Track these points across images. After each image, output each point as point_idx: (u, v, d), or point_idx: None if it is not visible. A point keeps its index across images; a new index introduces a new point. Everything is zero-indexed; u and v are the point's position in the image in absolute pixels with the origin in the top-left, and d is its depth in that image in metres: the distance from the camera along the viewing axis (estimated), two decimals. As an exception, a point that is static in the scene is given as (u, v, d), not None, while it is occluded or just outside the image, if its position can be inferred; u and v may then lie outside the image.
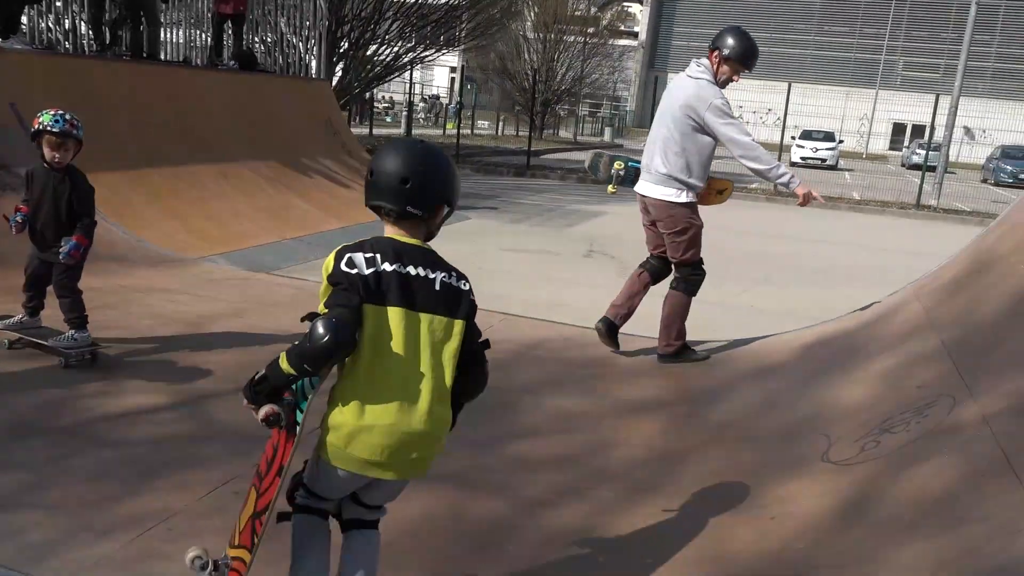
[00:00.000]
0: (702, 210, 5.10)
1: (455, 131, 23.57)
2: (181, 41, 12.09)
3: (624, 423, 4.17)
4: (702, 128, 4.78)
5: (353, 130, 19.58)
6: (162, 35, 11.68)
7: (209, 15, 11.66)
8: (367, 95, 25.17)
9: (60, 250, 4.07)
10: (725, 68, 4.83)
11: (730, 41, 4.80)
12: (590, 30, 40.01)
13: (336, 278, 2.05)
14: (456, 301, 2.10)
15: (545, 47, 37.03)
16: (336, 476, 2.12)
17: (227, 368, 4.39)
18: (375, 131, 28.39)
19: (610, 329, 5.17)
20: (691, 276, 5.05)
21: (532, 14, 36.90)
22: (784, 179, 4.84)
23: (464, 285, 2.14)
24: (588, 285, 8.13)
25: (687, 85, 4.87)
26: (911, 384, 3.51)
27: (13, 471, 3.11)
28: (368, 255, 2.05)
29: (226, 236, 7.94)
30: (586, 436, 3.95)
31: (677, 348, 5.06)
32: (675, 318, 5.05)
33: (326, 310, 2.02)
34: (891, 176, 27.87)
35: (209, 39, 11.85)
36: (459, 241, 10.18)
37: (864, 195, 20.62)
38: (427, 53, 22.91)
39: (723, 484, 3.36)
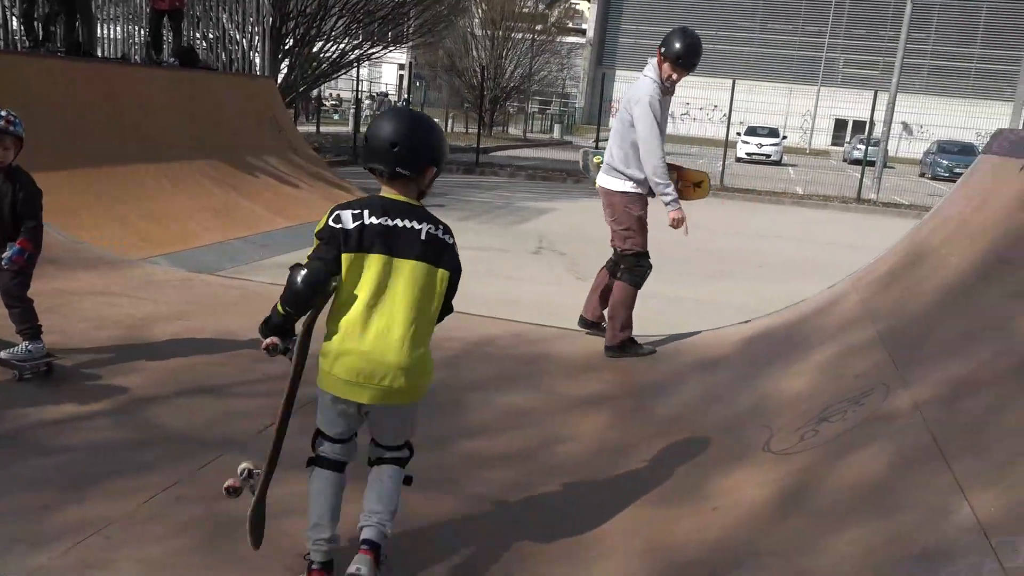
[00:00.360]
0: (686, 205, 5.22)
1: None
2: (119, 37, 11.79)
3: (572, 418, 4.21)
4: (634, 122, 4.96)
5: (300, 128, 19.34)
6: (99, 31, 11.41)
7: (147, 11, 11.39)
8: (314, 93, 24.84)
9: (3, 256, 3.90)
10: (666, 67, 4.94)
11: (670, 41, 4.92)
12: (538, 27, 40.14)
13: (321, 233, 2.37)
14: (440, 251, 2.40)
15: (493, 44, 37.05)
16: (328, 404, 2.46)
17: (169, 371, 4.31)
18: (322, 129, 28.09)
19: (590, 326, 5.43)
20: (635, 267, 5.14)
21: (480, 11, 36.87)
22: (666, 199, 4.99)
23: (449, 239, 2.44)
24: (537, 282, 8.17)
25: (637, 82, 5.06)
26: (848, 374, 3.61)
27: (-57, 482, 3.01)
28: (356, 211, 2.35)
29: (168, 237, 7.78)
30: (535, 432, 3.97)
31: (623, 341, 5.13)
32: (618, 308, 5.12)
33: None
34: (833, 171, 28.53)
35: (146, 36, 11.58)
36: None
37: (807, 190, 21.07)
38: (374, 50, 22.72)
39: (668, 476, 3.41)
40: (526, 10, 39.80)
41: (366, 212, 2.35)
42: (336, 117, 38.73)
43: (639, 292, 5.19)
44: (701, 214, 15.07)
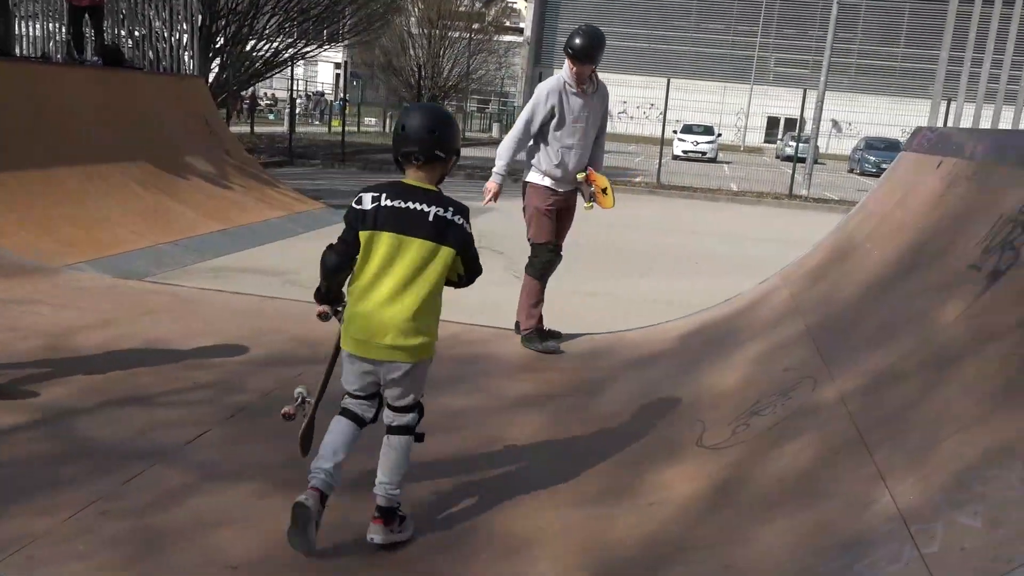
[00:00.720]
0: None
1: (341, 128, 23.12)
2: (39, 35, 11.37)
3: (509, 419, 4.20)
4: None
5: (233, 129, 18.95)
6: (17, 29, 10.98)
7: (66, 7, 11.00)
8: (246, 92, 24.36)
9: None
10: (567, 63, 5.04)
11: (569, 37, 5.04)
12: (475, 26, 40.07)
13: (346, 216, 2.75)
14: (445, 231, 2.73)
15: (430, 43, 36.85)
16: (347, 361, 2.82)
17: (93, 382, 4.17)
18: (257, 129, 27.58)
19: (540, 335, 5.36)
20: (533, 258, 5.25)
21: (416, 9, 36.64)
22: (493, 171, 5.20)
23: (458, 219, 2.76)
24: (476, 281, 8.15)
25: None
26: (778, 368, 3.69)
27: None
28: (375, 194, 2.73)
29: (94, 242, 7.53)
30: (473, 434, 3.96)
31: (528, 332, 5.25)
32: (522, 299, 5.29)
33: None
34: (766, 168, 29.18)
35: (66, 34, 11.18)
36: (345, 241, 10.03)
37: (742, 186, 21.52)
38: (308, 49, 22.38)
39: (605, 474, 3.43)
40: (463, 9, 39.70)
41: (383, 195, 2.72)
42: (271, 117, 38.07)
43: (547, 286, 5.34)
44: (638, 212, 15.31)
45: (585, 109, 5.09)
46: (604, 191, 5.37)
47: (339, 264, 2.77)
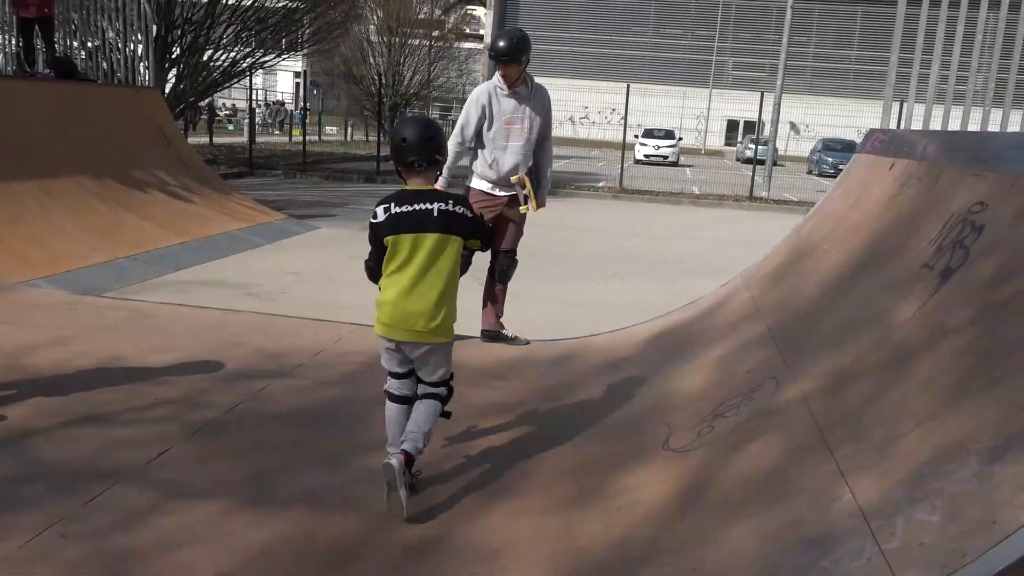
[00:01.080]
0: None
1: (302, 138, 22.93)
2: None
3: (476, 426, 4.20)
4: None
5: (191, 140, 18.71)
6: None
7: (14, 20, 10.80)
8: (204, 103, 24.08)
9: None
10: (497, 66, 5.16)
11: (492, 41, 5.20)
12: (435, 33, 40.03)
13: (370, 234, 3.21)
14: (451, 222, 3.15)
15: (391, 51, 36.71)
16: (382, 345, 3.27)
17: (51, 401, 4.08)
18: (216, 140, 27.26)
19: (492, 337, 5.50)
20: (492, 262, 5.43)
21: (375, 18, 36.50)
22: None
23: (459, 209, 3.19)
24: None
25: None
26: (741, 370, 3.73)
27: None
28: (386, 205, 3.17)
29: (49, 258, 7.38)
30: (438, 443, 3.94)
31: (491, 328, 5.45)
32: (486, 302, 5.47)
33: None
34: (727, 171, 29.55)
35: (16, 46, 10.97)
36: (308, 251, 9.94)
37: (703, 189, 21.76)
38: (267, 58, 22.19)
39: (573, 479, 3.45)
40: (422, 16, 39.63)
41: (392, 204, 3.15)
42: (231, 127, 37.67)
43: (510, 289, 5.52)
44: (601, 216, 15.41)
45: (519, 111, 5.12)
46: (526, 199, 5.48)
47: (372, 275, 3.31)
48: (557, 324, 6.44)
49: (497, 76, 5.13)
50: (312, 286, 8.16)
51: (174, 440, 3.74)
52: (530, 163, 5.29)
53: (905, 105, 5.67)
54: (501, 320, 5.52)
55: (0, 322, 5.43)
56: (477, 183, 5.32)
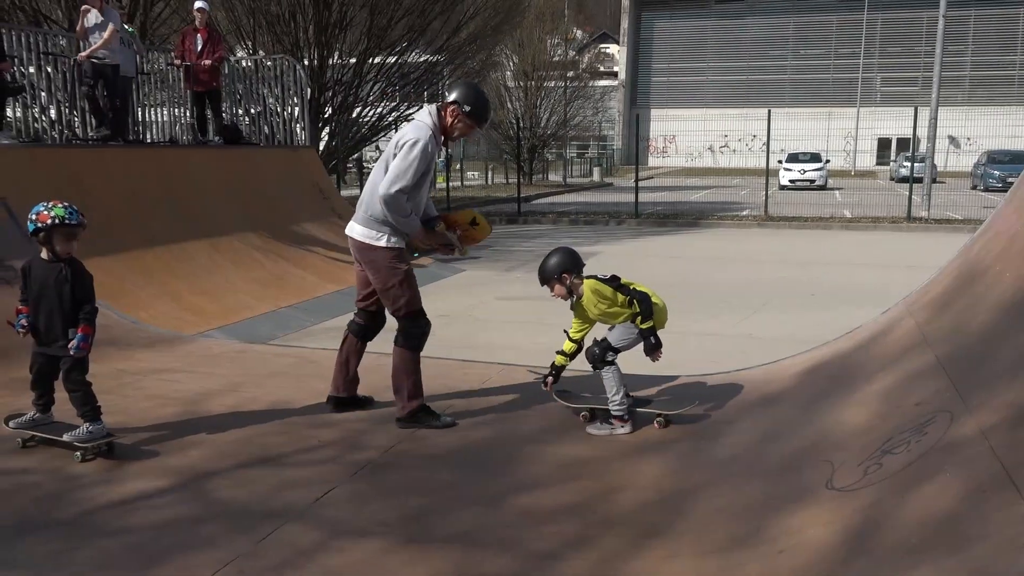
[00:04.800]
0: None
1: (445, 184, 23.73)
2: (166, 120, 12.29)
3: (631, 466, 4.15)
4: None
5: (343, 192, 19.74)
6: (148, 116, 11.90)
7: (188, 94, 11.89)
8: (354, 156, 25.42)
9: (70, 344, 4.05)
10: (449, 113, 4.64)
11: (471, 98, 4.65)
12: (570, 74, 40.59)
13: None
14: None
15: (527, 94, 37.53)
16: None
17: (226, 444, 4.38)
18: (366, 191, 28.61)
19: (345, 404, 4.90)
20: (411, 328, 4.67)
21: (511, 63, 37.46)
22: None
23: None
24: (586, 327, 8.13)
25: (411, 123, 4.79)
26: (909, 402, 3.50)
27: (14, 571, 3.09)
28: None
29: (222, 310, 7.97)
30: (593, 482, 3.92)
31: (413, 410, 4.66)
32: (401, 378, 4.66)
33: None
34: (881, 191, 28.06)
35: (190, 118, 12.05)
36: (454, 294, 10.22)
37: (855, 212, 20.74)
38: (410, 111, 23.20)
39: (731, 520, 3.33)
40: (557, 59, 40.32)
41: None
42: (379, 178, 39.35)
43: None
44: (746, 246, 14.97)
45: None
46: (473, 222, 5.01)
47: None
48: (707, 358, 6.28)
49: (436, 120, 4.56)
50: (460, 327, 8.37)
51: (337, 480, 3.91)
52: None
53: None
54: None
55: (182, 371, 5.90)
56: (397, 241, 4.58)
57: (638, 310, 4.50)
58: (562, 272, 4.63)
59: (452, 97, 4.62)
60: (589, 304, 4.61)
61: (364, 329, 4.91)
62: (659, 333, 4.59)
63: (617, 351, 4.59)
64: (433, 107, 4.65)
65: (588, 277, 4.62)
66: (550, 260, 4.71)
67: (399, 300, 4.63)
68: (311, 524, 3.47)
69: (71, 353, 4.06)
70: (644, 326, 4.49)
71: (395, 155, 4.50)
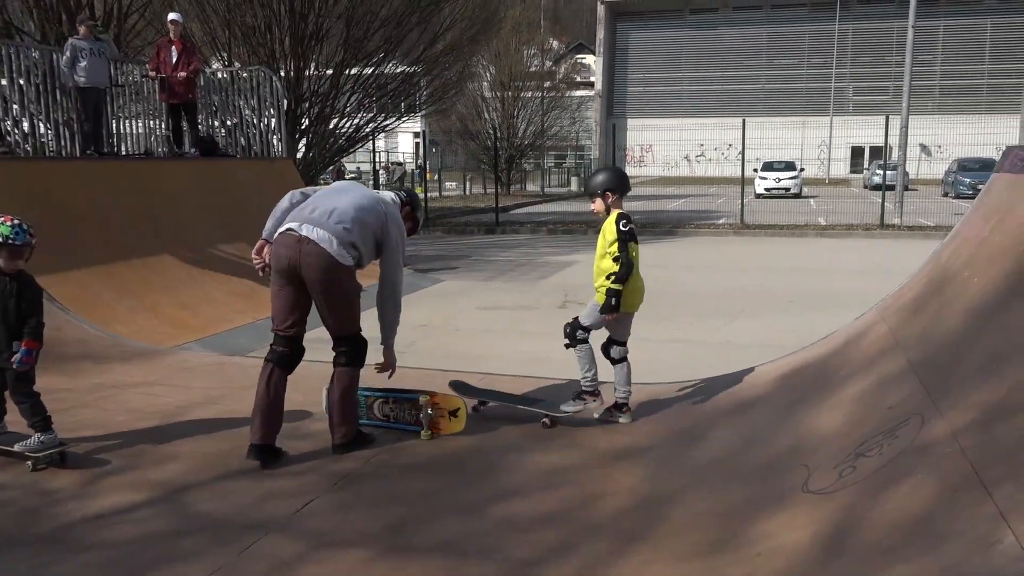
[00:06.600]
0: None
1: (422, 194, 23.76)
2: (141, 132, 12.22)
3: (610, 472, 4.18)
4: None
5: (321, 203, 19.66)
6: (122, 129, 11.82)
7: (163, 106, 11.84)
8: (332, 167, 25.37)
9: (13, 358, 4.04)
10: None
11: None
12: (547, 84, 40.84)
13: (629, 237, 4.67)
14: None
15: (504, 105, 37.70)
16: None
17: (204, 457, 4.36)
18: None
19: (266, 454, 4.25)
20: (358, 347, 4.57)
21: (488, 74, 37.62)
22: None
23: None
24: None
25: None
26: (882, 406, 3.57)
27: (-8, 586, 3.06)
28: (626, 220, 4.66)
29: (200, 322, 7.92)
30: (573, 490, 3.95)
31: (356, 432, 4.49)
32: (349, 399, 4.51)
33: None
34: (855, 199, 28.41)
35: (165, 130, 12.00)
36: (434, 303, 10.22)
37: (830, 220, 20.99)
38: (388, 122, 23.22)
39: (710, 524, 3.36)
40: (534, 69, 40.54)
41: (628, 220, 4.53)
42: (356, 189, 39.28)
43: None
44: (723, 254, 15.11)
45: None
46: (454, 413, 4.68)
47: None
48: (685, 364, 6.33)
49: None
50: (439, 338, 8.37)
51: (318, 491, 3.91)
52: None
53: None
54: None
55: (159, 384, 5.86)
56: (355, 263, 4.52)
57: (615, 269, 4.64)
58: (606, 190, 4.84)
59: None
60: (604, 230, 4.80)
61: (289, 358, 4.43)
62: (640, 337, 4.70)
63: (588, 330, 4.85)
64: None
65: (622, 215, 4.73)
66: (599, 175, 4.97)
67: (355, 318, 4.48)
68: (293, 535, 3.47)
69: (15, 367, 4.05)
70: (612, 285, 4.63)
71: (383, 232, 4.66)
